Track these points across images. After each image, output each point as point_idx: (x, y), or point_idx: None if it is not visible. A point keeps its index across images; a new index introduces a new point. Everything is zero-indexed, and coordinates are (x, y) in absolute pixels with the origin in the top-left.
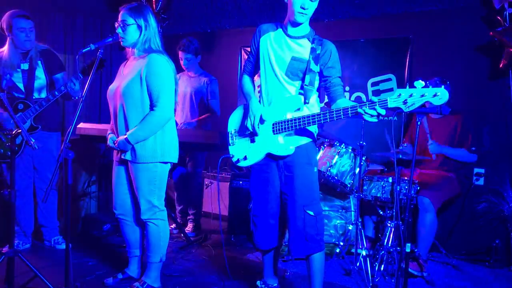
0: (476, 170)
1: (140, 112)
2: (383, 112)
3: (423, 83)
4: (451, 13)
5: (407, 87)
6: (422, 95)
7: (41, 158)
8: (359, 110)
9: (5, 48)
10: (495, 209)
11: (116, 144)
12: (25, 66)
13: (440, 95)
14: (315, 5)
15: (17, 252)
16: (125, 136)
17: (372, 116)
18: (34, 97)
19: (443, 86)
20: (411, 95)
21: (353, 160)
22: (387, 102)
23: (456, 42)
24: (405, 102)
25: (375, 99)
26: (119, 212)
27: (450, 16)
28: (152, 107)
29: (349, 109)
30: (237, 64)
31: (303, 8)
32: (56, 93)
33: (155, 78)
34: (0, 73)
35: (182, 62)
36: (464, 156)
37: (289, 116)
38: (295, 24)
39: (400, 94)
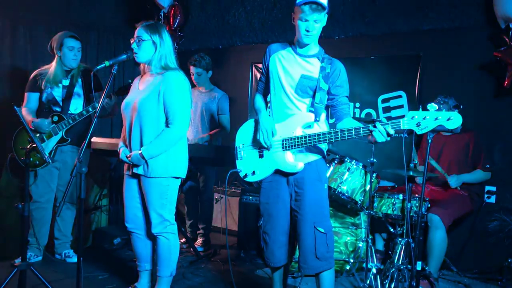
0: (487, 188)
1: (156, 127)
2: (392, 132)
3: (436, 106)
4: (461, 31)
5: (420, 108)
6: (436, 118)
7: (65, 171)
8: (372, 128)
9: (52, 64)
10: (507, 227)
11: (129, 159)
12: (66, 82)
13: (453, 119)
14: (320, 26)
15: (29, 265)
16: (140, 151)
17: (383, 136)
18: (69, 112)
19: (456, 110)
20: (424, 118)
21: (364, 177)
22: (400, 124)
23: (466, 59)
24: (418, 125)
25: (384, 120)
26: (131, 226)
27: (460, 34)
28: (167, 124)
29: (361, 129)
30: (248, 80)
31: (308, 31)
32: (84, 112)
33: (172, 96)
34: (43, 88)
35: (193, 77)
36: (481, 177)
37: (299, 133)
38: (303, 45)
39: (413, 117)
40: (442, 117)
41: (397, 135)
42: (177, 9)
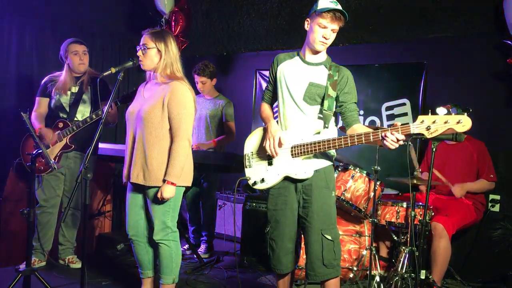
0: (491, 196)
1: (158, 136)
2: (402, 137)
3: (445, 110)
4: (465, 39)
5: (429, 113)
6: (446, 122)
7: (70, 177)
8: (384, 135)
9: (62, 73)
10: (511, 236)
11: (163, 194)
12: (75, 89)
13: (463, 122)
14: (334, 36)
15: (34, 271)
16: (166, 183)
17: (393, 141)
18: (75, 118)
19: (466, 114)
20: (434, 122)
21: (368, 185)
22: (409, 128)
23: (471, 68)
24: (428, 129)
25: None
26: (132, 233)
27: (465, 42)
28: (171, 134)
29: (371, 134)
30: (252, 87)
31: (326, 38)
32: (88, 120)
33: (177, 107)
34: (52, 95)
35: (197, 86)
36: (485, 186)
37: (309, 139)
38: (314, 52)
39: (423, 121)
40: (451, 121)
41: (403, 142)
42: (178, 15)
